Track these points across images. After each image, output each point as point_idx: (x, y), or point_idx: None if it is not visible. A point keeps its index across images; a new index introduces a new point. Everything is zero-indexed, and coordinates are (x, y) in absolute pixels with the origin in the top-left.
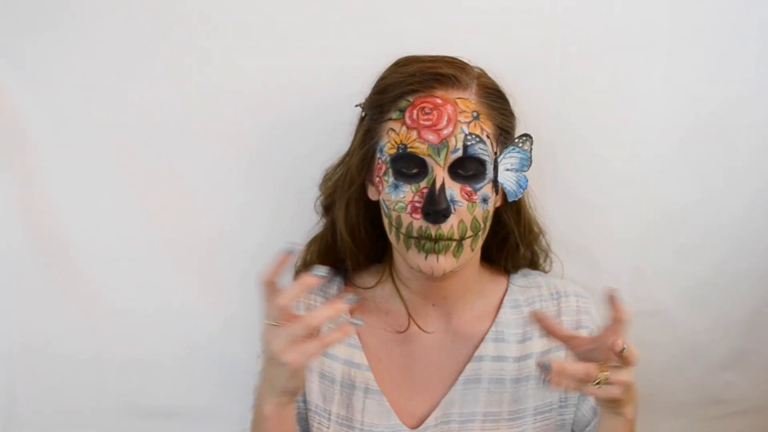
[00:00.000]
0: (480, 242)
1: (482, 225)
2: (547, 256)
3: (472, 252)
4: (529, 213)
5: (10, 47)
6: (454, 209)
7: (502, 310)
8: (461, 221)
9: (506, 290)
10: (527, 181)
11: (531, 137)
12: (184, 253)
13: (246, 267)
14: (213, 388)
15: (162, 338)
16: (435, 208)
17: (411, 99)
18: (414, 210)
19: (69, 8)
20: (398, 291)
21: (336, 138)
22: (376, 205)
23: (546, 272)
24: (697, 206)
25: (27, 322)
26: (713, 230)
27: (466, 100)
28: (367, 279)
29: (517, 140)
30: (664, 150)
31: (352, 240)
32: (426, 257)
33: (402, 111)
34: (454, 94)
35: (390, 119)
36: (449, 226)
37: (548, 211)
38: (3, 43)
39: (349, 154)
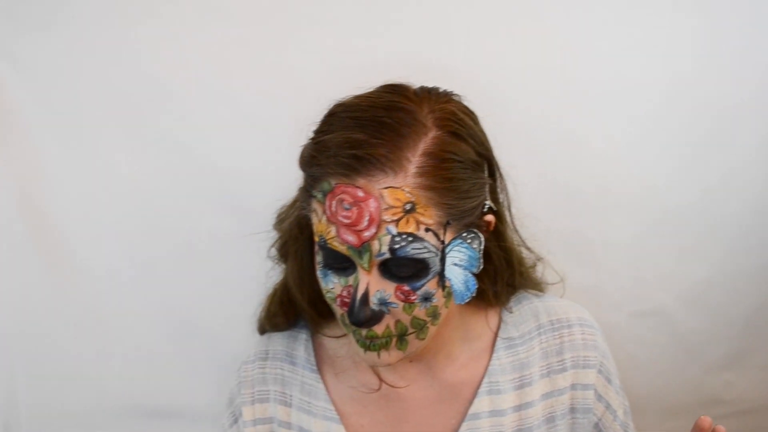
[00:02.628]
0: (433, 329)
1: (427, 320)
2: (539, 283)
3: (423, 341)
4: (518, 251)
5: (9, 47)
6: (388, 310)
7: (495, 355)
8: (398, 321)
9: (498, 326)
10: (476, 285)
11: (479, 236)
12: (184, 253)
13: (247, 267)
14: (213, 388)
15: (162, 338)
16: (356, 319)
17: (332, 183)
18: (343, 304)
19: (69, 8)
20: None
21: None
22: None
23: (543, 292)
24: (697, 206)
25: (27, 321)
26: (713, 230)
27: (397, 189)
28: (336, 328)
29: (465, 235)
30: (664, 150)
31: (305, 294)
32: (364, 351)
33: (324, 194)
34: (381, 181)
35: (314, 197)
36: (383, 327)
37: (548, 211)
38: (3, 43)
39: (294, 203)
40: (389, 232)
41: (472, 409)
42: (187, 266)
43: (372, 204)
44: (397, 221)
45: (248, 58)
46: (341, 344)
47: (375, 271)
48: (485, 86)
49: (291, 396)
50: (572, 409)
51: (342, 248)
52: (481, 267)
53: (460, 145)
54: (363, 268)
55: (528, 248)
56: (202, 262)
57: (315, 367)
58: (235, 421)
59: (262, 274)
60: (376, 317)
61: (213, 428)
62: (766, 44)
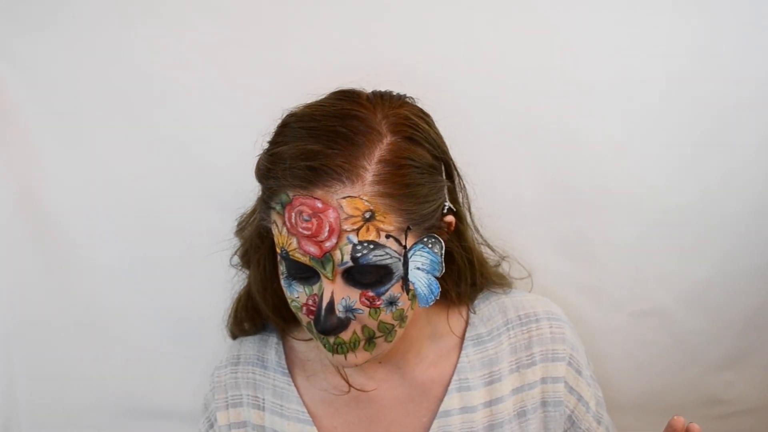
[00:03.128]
0: (401, 331)
1: (394, 324)
2: (504, 278)
3: (390, 343)
4: (478, 250)
5: (9, 47)
6: (354, 316)
7: (463, 352)
8: (365, 326)
9: (466, 324)
10: (439, 288)
11: (440, 241)
12: (184, 253)
13: None
14: None
15: (162, 338)
16: (322, 328)
17: (290, 195)
18: (309, 312)
19: (68, 8)
20: None
21: None
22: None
23: (510, 287)
24: (697, 206)
25: (27, 321)
26: (713, 230)
27: (356, 198)
28: (305, 331)
29: (426, 240)
30: (664, 150)
31: (269, 301)
32: (332, 354)
33: (283, 206)
34: (339, 191)
35: (273, 209)
36: (350, 333)
37: (549, 211)
38: (2, 43)
39: (254, 211)
40: (350, 241)
41: (443, 407)
42: (186, 266)
43: (331, 214)
44: (357, 230)
45: (248, 58)
46: (311, 347)
47: (339, 279)
48: (485, 86)
49: (263, 399)
50: (543, 403)
51: (304, 259)
52: (444, 271)
53: (416, 150)
54: (326, 277)
55: (490, 247)
56: (201, 261)
57: (286, 370)
58: (211, 426)
59: None
60: (343, 325)
61: None
62: (766, 44)
